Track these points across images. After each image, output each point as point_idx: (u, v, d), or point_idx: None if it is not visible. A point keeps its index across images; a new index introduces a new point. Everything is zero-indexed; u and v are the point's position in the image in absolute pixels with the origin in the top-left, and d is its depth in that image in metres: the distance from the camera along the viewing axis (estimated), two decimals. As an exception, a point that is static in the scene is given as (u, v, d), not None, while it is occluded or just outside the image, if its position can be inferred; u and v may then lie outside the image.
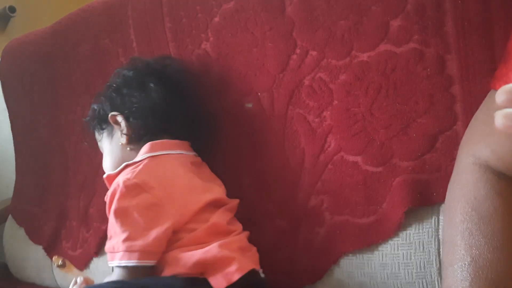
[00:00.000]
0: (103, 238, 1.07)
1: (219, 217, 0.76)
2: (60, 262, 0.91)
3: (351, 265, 0.74)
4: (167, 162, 0.79)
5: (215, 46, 0.90)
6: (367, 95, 0.75)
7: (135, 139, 0.84)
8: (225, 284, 0.66)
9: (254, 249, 0.77)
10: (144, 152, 0.80)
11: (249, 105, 0.87)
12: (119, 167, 0.80)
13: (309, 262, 0.77)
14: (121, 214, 0.71)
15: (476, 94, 0.65)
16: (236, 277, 0.67)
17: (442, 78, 0.69)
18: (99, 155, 1.10)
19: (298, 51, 0.81)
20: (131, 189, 0.72)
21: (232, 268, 0.68)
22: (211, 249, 0.69)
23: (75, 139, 1.15)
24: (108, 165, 0.87)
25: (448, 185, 0.58)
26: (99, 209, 1.10)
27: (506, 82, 0.53)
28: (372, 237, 0.72)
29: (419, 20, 0.69)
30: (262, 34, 0.84)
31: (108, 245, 0.72)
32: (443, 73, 0.69)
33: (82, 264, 1.10)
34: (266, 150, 0.86)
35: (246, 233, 0.78)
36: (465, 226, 0.51)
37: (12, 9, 1.61)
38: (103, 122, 0.89)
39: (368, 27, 0.74)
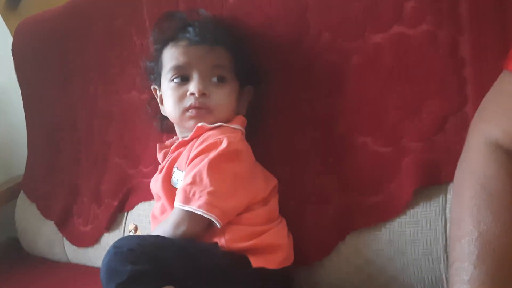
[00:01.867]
0: (114, 214, 1.09)
1: (275, 202, 0.79)
2: (133, 228, 0.90)
3: (358, 241, 0.76)
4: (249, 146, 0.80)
5: (229, 25, 0.90)
6: (379, 77, 0.76)
7: (242, 106, 0.85)
8: (264, 265, 0.70)
9: (291, 236, 0.79)
10: (240, 122, 0.81)
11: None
12: (225, 120, 0.79)
13: (316, 239, 0.79)
14: (216, 169, 0.71)
15: (488, 76, 0.66)
16: (277, 265, 0.71)
17: (454, 60, 0.70)
18: (110, 133, 1.12)
19: (311, 32, 0.82)
20: (232, 152, 0.74)
21: (278, 256, 0.73)
22: (266, 237, 0.72)
23: (87, 116, 1.16)
24: (227, 107, 0.81)
25: (458, 163, 0.59)
26: (110, 186, 1.11)
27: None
28: (380, 215, 0.73)
29: (433, 1, 0.70)
30: (276, 14, 0.84)
31: (186, 188, 0.71)
32: (456, 55, 0.70)
33: (93, 239, 1.12)
34: (281, 129, 0.86)
35: (284, 219, 0.80)
36: (474, 202, 0.52)
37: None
38: (241, 72, 0.83)
39: (382, 8, 0.75)
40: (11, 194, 1.36)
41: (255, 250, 0.70)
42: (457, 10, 0.69)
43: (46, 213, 1.24)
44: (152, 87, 0.90)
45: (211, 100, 0.79)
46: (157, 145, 0.90)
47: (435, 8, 0.70)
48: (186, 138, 0.80)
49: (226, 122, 0.80)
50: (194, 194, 0.70)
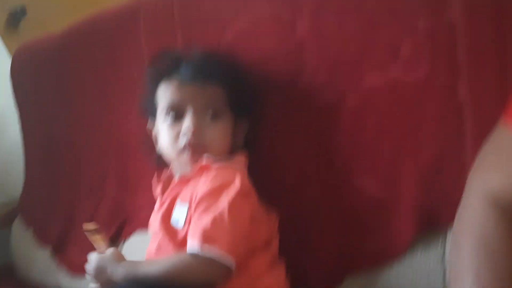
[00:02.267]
0: (108, 244, 1.08)
1: (276, 243, 0.78)
2: (93, 228, 0.83)
3: (355, 286, 0.75)
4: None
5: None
6: (375, 119, 0.75)
7: (238, 142, 0.84)
8: None
9: (289, 277, 0.77)
10: (243, 161, 0.80)
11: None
12: (222, 155, 0.79)
13: (315, 281, 0.78)
14: (236, 211, 0.70)
15: (487, 120, 0.65)
16: None
17: (452, 104, 0.69)
18: (107, 161, 1.12)
19: (306, 70, 0.81)
20: (247, 192, 0.74)
21: None
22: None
23: (85, 142, 1.16)
24: (221, 144, 0.80)
25: (456, 214, 0.58)
26: (106, 215, 1.11)
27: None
28: (378, 260, 0.72)
29: (430, 46, 0.70)
30: (273, 51, 0.85)
31: (206, 229, 0.67)
32: (454, 99, 0.69)
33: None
34: (277, 168, 0.86)
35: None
36: (472, 261, 0.51)
37: (23, 11, 1.61)
38: (234, 107, 0.82)
39: (378, 50, 0.74)
40: (7, 218, 1.35)
41: None
42: (455, 53, 0.68)
43: (42, 239, 1.23)
44: (147, 125, 0.89)
45: (206, 137, 0.78)
46: (153, 181, 0.88)
47: (432, 51, 0.70)
48: (187, 174, 0.79)
49: (224, 157, 0.79)
50: (211, 239, 0.67)
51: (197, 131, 0.77)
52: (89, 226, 0.82)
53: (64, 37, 1.21)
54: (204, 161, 0.76)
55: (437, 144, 0.71)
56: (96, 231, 0.82)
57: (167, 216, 0.79)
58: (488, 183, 0.55)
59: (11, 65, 1.34)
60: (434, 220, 0.70)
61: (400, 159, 0.73)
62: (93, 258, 0.79)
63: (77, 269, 1.13)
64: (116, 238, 1.08)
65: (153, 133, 0.88)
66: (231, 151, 0.82)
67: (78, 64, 1.16)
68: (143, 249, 1.00)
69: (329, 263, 0.77)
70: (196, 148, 0.78)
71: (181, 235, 0.74)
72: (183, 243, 0.72)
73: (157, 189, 0.87)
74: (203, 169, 0.76)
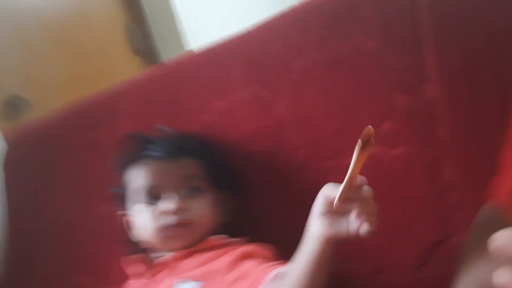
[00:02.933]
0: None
1: None
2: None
3: None
4: None
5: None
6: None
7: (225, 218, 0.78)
8: None
9: None
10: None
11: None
12: (207, 229, 0.74)
13: None
14: None
15: (477, 201, 0.61)
16: None
17: (436, 185, 0.65)
18: (80, 248, 1.05)
19: (286, 148, 0.78)
20: None
21: None
22: None
23: (61, 230, 1.10)
24: (202, 221, 0.74)
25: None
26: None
27: (500, 196, 0.49)
28: None
29: (410, 123, 0.67)
30: (250, 132, 0.82)
31: None
32: (437, 179, 0.65)
33: None
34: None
35: None
36: None
37: (23, 101, 1.62)
38: (214, 179, 0.78)
39: (357, 130, 0.71)
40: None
41: None
42: (435, 133, 0.65)
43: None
44: (117, 213, 0.84)
45: (192, 213, 0.72)
46: (124, 260, 0.82)
47: (412, 130, 0.67)
48: (191, 248, 0.72)
49: (206, 233, 0.74)
50: None
51: (181, 208, 0.72)
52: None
53: (50, 124, 1.20)
54: (214, 237, 0.72)
55: (422, 228, 0.65)
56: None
57: None
58: (476, 274, 0.49)
59: (6, 157, 1.30)
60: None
61: (385, 241, 0.67)
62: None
63: None
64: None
65: (124, 220, 0.82)
66: (215, 227, 0.77)
67: (63, 147, 1.13)
68: None
69: None
70: (182, 227, 0.72)
71: None
72: None
73: (137, 269, 0.79)
74: (212, 243, 0.72)
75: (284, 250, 0.75)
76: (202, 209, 0.74)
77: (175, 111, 0.93)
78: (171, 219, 0.71)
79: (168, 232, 0.72)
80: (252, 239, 0.75)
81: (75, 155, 1.10)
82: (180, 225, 0.71)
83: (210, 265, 0.68)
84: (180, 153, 0.76)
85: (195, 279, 0.68)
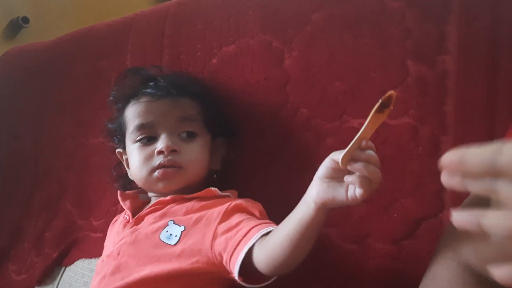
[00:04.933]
0: (50, 266, 0.99)
1: None
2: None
3: None
4: None
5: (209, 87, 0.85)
6: (352, 165, 0.69)
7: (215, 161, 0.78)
8: None
9: None
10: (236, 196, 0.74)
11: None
12: (198, 179, 0.74)
13: None
14: None
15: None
16: None
17: (434, 160, 0.63)
18: (68, 176, 1.04)
19: (289, 105, 0.76)
20: None
21: None
22: None
23: (50, 154, 1.09)
24: (200, 165, 0.74)
25: (423, 277, 0.51)
26: (54, 234, 1.02)
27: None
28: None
29: (419, 95, 0.65)
30: (257, 82, 0.80)
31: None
32: (436, 155, 0.63)
33: (22, 291, 1.00)
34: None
35: None
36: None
37: (25, 20, 1.60)
38: (210, 125, 0.76)
39: (364, 93, 0.70)
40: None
41: None
42: (442, 108, 0.63)
43: (-19, 253, 1.13)
44: (116, 150, 0.83)
45: (182, 156, 0.71)
46: (120, 193, 0.80)
47: (420, 102, 0.65)
48: (183, 195, 0.71)
49: (198, 179, 0.74)
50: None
51: (172, 150, 0.71)
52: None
53: (51, 46, 1.18)
54: (214, 188, 0.71)
55: (414, 201, 0.64)
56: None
57: (151, 232, 0.69)
58: (457, 249, 0.48)
59: None
60: (400, 286, 0.61)
61: (372, 210, 0.66)
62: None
63: (12, 287, 1.03)
64: (59, 262, 0.99)
65: (124, 158, 0.81)
66: (208, 174, 0.76)
67: (61, 74, 1.12)
68: (85, 276, 0.92)
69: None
70: (170, 169, 0.71)
71: (172, 250, 0.64)
72: (175, 258, 0.64)
73: (126, 203, 0.78)
74: (208, 193, 0.71)
75: (273, 210, 0.75)
76: (195, 154, 0.73)
77: (184, 50, 0.90)
78: (162, 160, 0.71)
79: (159, 173, 0.71)
80: (243, 195, 0.75)
81: (74, 83, 1.09)
82: (170, 166, 0.71)
83: (200, 213, 0.67)
84: (179, 92, 0.74)
85: (178, 223, 0.67)
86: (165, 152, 0.70)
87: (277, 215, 0.72)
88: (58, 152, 1.07)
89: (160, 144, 0.71)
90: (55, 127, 1.10)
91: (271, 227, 0.60)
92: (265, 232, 0.59)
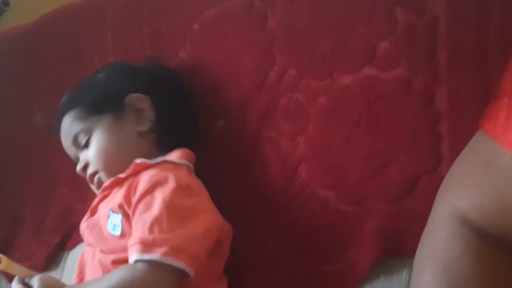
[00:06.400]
0: (54, 252, 0.99)
1: (223, 259, 0.69)
2: None
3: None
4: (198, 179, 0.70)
5: (191, 56, 0.82)
6: (346, 124, 0.67)
7: (156, 133, 0.74)
8: None
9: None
10: (181, 157, 0.70)
11: (221, 122, 0.79)
12: (122, 157, 0.70)
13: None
14: (173, 209, 0.60)
15: (466, 133, 0.56)
16: None
17: (429, 113, 0.61)
18: (61, 161, 1.02)
19: (276, 67, 0.73)
20: (184, 189, 0.63)
21: None
22: None
23: (40, 140, 1.07)
24: (105, 152, 0.72)
25: (420, 239, 0.49)
26: (53, 220, 1.01)
27: (495, 123, 0.44)
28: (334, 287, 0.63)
29: (409, 45, 0.62)
30: (241, 47, 0.76)
31: (143, 236, 0.58)
32: (431, 106, 0.61)
33: (29, 278, 1.00)
34: (233, 175, 0.77)
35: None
36: (433, 290, 0.42)
37: (5, 3, 1.56)
38: (110, 102, 0.74)
39: (353, 48, 0.66)
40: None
41: None
42: (434, 57, 0.60)
43: (-16, 244, 1.13)
44: None
45: (92, 164, 0.73)
46: None
47: (410, 53, 0.61)
48: (122, 176, 0.69)
49: (125, 160, 0.70)
50: (155, 241, 0.57)
51: (83, 169, 0.74)
52: None
53: (31, 29, 1.13)
54: (141, 160, 0.68)
55: (411, 158, 0.62)
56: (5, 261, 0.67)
57: (101, 223, 0.69)
58: (456, 204, 0.46)
59: None
60: (400, 245, 0.60)
61: (369, 171, 0.64)
62: None
63: (18, 277, 1.03)
64: (61, 247, 0.98)
65: None
66: (143, 140, 0.73)
67: (42, 57, 1.08)
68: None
69: None
70: (95, 181, 0.74)
71: (120, 242, 0.64)
72: (123, 250, 0.62)
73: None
74: (138, 168, 0.68)
75: (265, 174, 0.73)
76: (98, 152, 0.72)
77: (164, 19, 0.86)
78: (87, 178, 0.74)
79: (93, 185, 0.75)
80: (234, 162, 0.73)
81: (56, 65, 1.05)
82: (93, 178, 0.73)
83: (128, 195, 0.66)
84: (59, 123, 0.78)
85: (116, 210, 0.66)
86: (80, 173, 0.75)
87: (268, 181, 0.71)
88: (47, 138, 1.05)
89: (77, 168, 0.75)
90: (42, 113, 1.08)
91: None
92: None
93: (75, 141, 0.75)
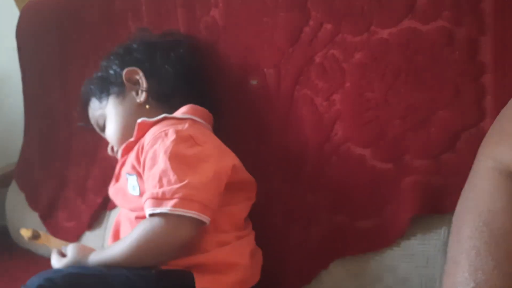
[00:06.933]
0: (97, 211, 1.02)
1: (245, 207, 0.70)
2: (30, 234, 0.76)
3: (343, 272, 0.65)
4: (206, 130, 0.72)
5: (224, 14, 0.81)
6: (384, 79, 0.65)
7: (155, 98, 0.77)
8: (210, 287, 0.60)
9: (260, 253, 0.70)
10: (185, 112, 0.72)
11: (254, 82, 0.78)
12: (131, 129, 0.72)
13: (297, 264, 0.68)
14: (177, 159, 0.62)
15: (511, 86, 0.54)
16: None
17: (473, 65, 0.58)
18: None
19: (311, 23, 0.71)
20: (185, 139, 0.65)
21: (230, 277, 0.62)
22: (219, 254, 0.63)
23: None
24: (115, 128, 0.77)
25: (462, 191, 0.48)
26: (96, 181, 1.05)
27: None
28: (369, 244, 0.62)
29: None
30: (274, 3, 0.74)
31: (153, 191, 0.60)
32: (474, 59, 0.58)
33: (74, 236, 1.05)
34: (267, 134, 0.77)
35: (254, 233, 0.71)
36: (473, 243, 0.41)
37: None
38: (111, 84, 0.79)
39: (392, 0, 0.63)
40: (4, 181, 1.31)
41: (203, 267, 0.60)
42: (479, 5, 0.57)
43: (33, 204, 1.19)
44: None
45: (110, 144, 0.81)
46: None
47: (453, 2, 0.58)
48: (131, 139, 0.72)
49: (129, 125, 0.74)
50: (164, 194, 0.59)
51: (110, 149, 0.82)
52: (27, 233, 0.77)
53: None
54: (142, 118, 0.71)
55: (452, 112, 0.59)
56: (37, 235, 0.78)
57: (123, 187, 0.73)
58: (500, 157, 0.44)
59: (17, 24, 1.29)
60: (439, 202, 0.59)
61: (408, 126, 0.62)
62: (56, 264, 0.70)
63: (64, 236, 1.08)
64: (104, 207, 1.02)
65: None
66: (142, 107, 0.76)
67: (78, 21, 1.09)
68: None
69: (314, 244, 0.67)
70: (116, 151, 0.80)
71: (140, 200, 0.65)
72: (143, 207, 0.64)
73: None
74: (142, 129, 0.71)
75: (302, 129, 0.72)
76: (111, 131, 0.78)
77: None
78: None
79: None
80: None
81: (92, 29, 1.06)
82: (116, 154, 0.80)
83: (137, 156, 0.69)
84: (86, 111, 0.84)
85: (130, 172, 0.70)
86: (112, 154, 0.82)
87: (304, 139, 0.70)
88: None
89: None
90: (80, 77, 1.10)
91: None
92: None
93: (98, 127, 0.82)
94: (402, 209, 0.60)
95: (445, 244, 0.57)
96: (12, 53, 1.28)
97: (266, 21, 0.75)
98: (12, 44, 1.28)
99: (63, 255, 0.71)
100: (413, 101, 0.62)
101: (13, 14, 1.34)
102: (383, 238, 0.61)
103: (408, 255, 0.60)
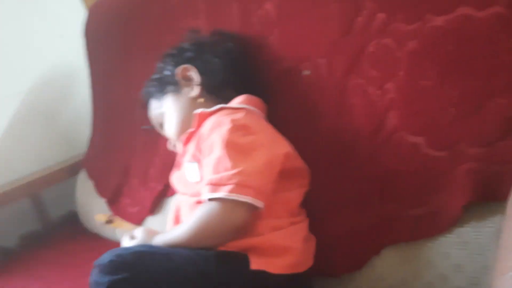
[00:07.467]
0: (158, 198, 1.08)
1: (299, 194, 0.73)
2: (106, 219, 0.85)
3: (395, 259, 0.65)
4: (261, 119, 0.76)
5: (277, 6, 0.83)
6: (438, 67, 0.65)
7: (209, 91, 0.81)
8: (265, 269, 0.63)
9: (313, 239, 0.72)
10: (240, 102, 0.76)
11: (307, 72, 0.80)
12: (188, 123, 0.77)
13: (349, 250, 0.70)
14: (233, 148, 0.66)
15: None
16: (282, 270, 0.64)
17: (531, 50, 0.57)
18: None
19: (365, 12, 0.72)
20: (240, 128, 0.69)
21: (284, 260, 0.65)
22: (274, 237, 0.65)
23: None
24: (174, 123, 0.83)
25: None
26: (157, 170, 1.10)
27: None
28: (422, 231, 0.63)
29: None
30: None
31: (211, 178, 0.64)
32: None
33: (138, 220, 1.11)
34: (319, 124, 0.78)
35: (307, 220, 0.73)
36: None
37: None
38: (167, 84, 0.85)
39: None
40: (74, 170, 1.40)
41: (258, 249, 0.63)
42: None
43: (100, 191, 1.26)
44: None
45: (167, 133, 0.86)
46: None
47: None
48: (191, 130, 0.77)
49: (186, 118, 0.79)
50: (220, 180, 0.63)
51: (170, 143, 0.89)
52: (103, 217, 0.87)
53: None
54: (200, 109, 0.75)
55: (508, 100, 0.59)
56: (112, 219, 0.87)
57: (183, 174, 0.78)
58: None
59: (85, 23, 1.37)
60: (494, 189, 0.58)
61: (462, 113, 0.62)
62: (127, 244, 0.76)
63: (128, 221, 1.15)
64: (165, 193, 1.07)
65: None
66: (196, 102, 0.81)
67: (140, 18, 1.15)
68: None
69: (365, 231, 0.68)
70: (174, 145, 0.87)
71: (200, 186, 0.70)
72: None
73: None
74: (201, 119, 0.75)
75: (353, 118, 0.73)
76: (168, 129, 0.84)
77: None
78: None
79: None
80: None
81: (153, 24, 1.11)
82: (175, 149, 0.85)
83: (198, 145, 0.73)
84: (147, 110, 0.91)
85: (191, 160, 0.74)
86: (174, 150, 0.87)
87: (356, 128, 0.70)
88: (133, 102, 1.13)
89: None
90: (142, 72, 1.15)
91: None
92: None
93: (159, 125, 0.89)
94: (456, 196, 0.60)
95: (499, 231, 0.57)
96: (80, 51, 1.37)
97: (318, 12, 0.76)
98: (80, 42, 1.36)
99: (132, 237, 0.77)
100: (467, 89, 0.62)
101: (81, 13, 1.43)
102: (436, 226, 0.61)
103: (461, 242, 0.59)
